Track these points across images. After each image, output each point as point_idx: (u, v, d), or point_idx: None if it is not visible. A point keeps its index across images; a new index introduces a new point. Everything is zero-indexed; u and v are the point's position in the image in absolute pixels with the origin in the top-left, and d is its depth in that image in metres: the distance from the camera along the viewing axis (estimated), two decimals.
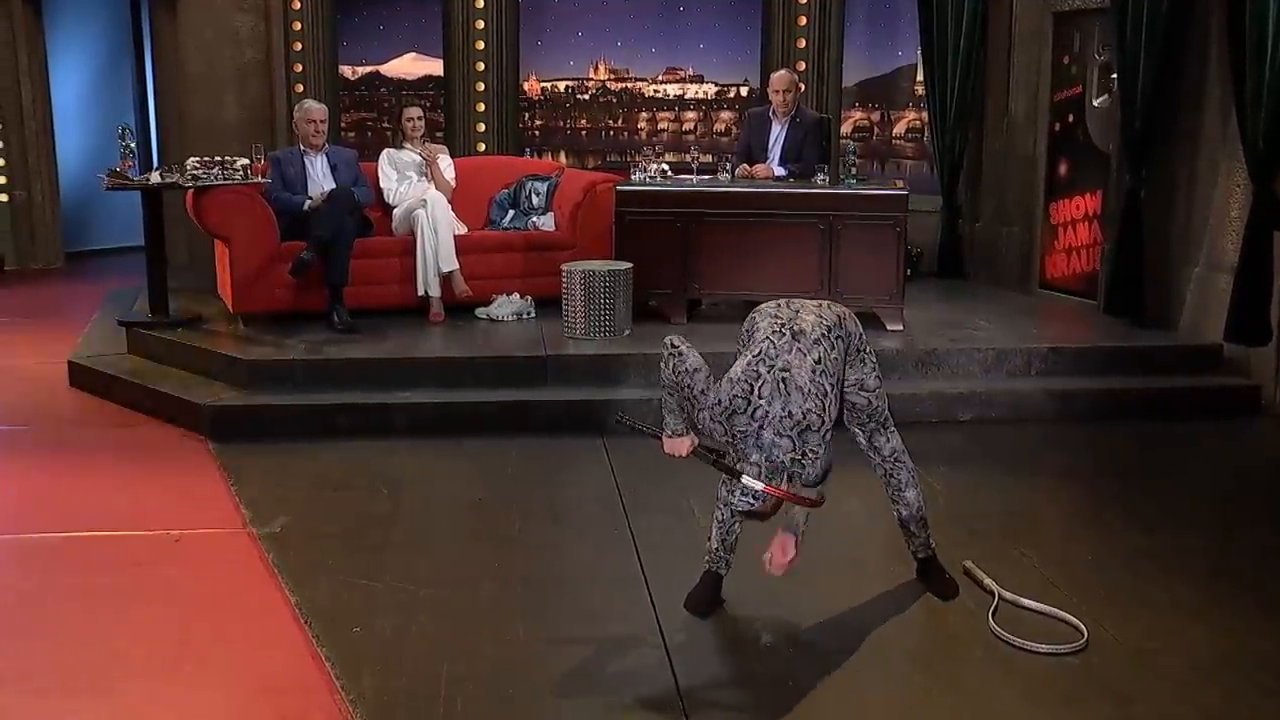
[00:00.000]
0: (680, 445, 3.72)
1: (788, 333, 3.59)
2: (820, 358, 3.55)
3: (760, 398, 3.43)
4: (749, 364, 3.51)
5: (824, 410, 3.46)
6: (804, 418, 3.42)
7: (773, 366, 3.48)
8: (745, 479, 3.40)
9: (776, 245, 6.95)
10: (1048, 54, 8.09)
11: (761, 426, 3.42)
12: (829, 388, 3.53)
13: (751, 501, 3.40)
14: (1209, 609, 4.08)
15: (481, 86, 9.59)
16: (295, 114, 7.61)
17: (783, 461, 3.41)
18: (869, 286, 6.90)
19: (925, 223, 8.67)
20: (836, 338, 3.68)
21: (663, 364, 3.70)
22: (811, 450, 3.43)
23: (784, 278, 6.85)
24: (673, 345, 3.70)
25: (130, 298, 8.11)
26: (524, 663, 3.70)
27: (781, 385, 3.45)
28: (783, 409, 3.42)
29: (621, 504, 5.06)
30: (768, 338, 3.58)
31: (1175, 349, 6.82)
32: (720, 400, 3.48)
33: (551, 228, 7.75)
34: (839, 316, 3.78)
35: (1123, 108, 7.09)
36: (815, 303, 3.83)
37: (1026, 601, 4.05)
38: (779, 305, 3.78)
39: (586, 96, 9.88)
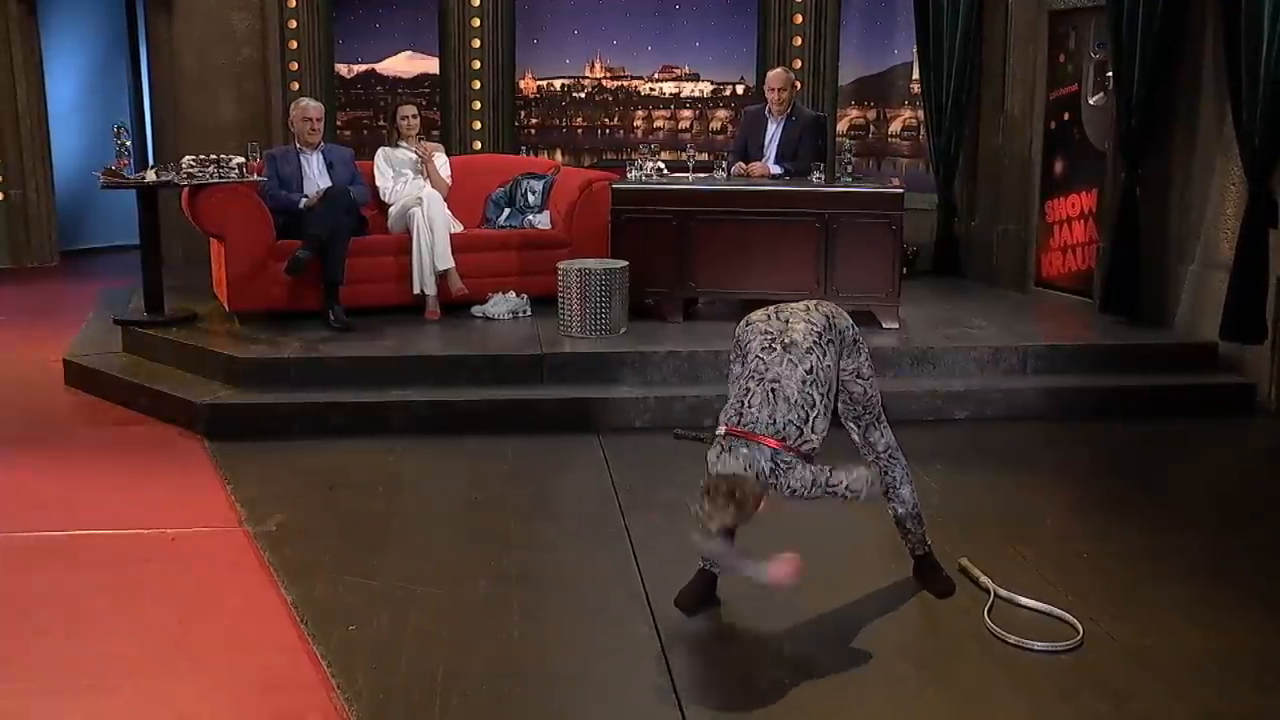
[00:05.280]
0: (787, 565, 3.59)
1: (778, 346, 3.64)
2: (812, 367, 3.61)
3: (750, 407, 3.54)
4: (742, 383, 3.63)
5: (807, 421, 3.54)
6: (783, 428, 3.50)
7: (763, 379, 3.58)
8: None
9: (772, 243, 6.95)
10: (1043, 52, 8.09)
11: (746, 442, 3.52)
12: (817, 399, 3.59)
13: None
14: (1204, 606, 4.09)
15: (477, 85, 9.60)
16: (291, 112, 7.61)
17: (763, 468, 3.48)
18: (865, 284, 6.90)
19: (921, 221, 8.68)
20: (828, 342, 3.71)
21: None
22: (783, 463, 3.49)
23: (780, 276, 6.86)
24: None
25: (126, 296, 8.10)
26: (519, 661, 3.70)
27: (771, 395, 3.55)
28: (769, 417, 3.51)
29: (617, 502, 5.05)
30: (758, 355, 3.65)
31: (1171, 347, 6.83)
32: (721, 423, 3.60)
33: (547, 226, 7.74)
34: (827, 317, 3.79)
35: (1118, 106, 7.09)
36: (803, 307, 3.83)
37: (1022, 599, 4.05)
38: (769, 318, 3.78)
39: (582, 95, 9.88)
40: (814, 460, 3.58)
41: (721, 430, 3.58)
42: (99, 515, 4.96)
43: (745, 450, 3.49)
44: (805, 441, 3.55)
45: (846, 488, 3.56)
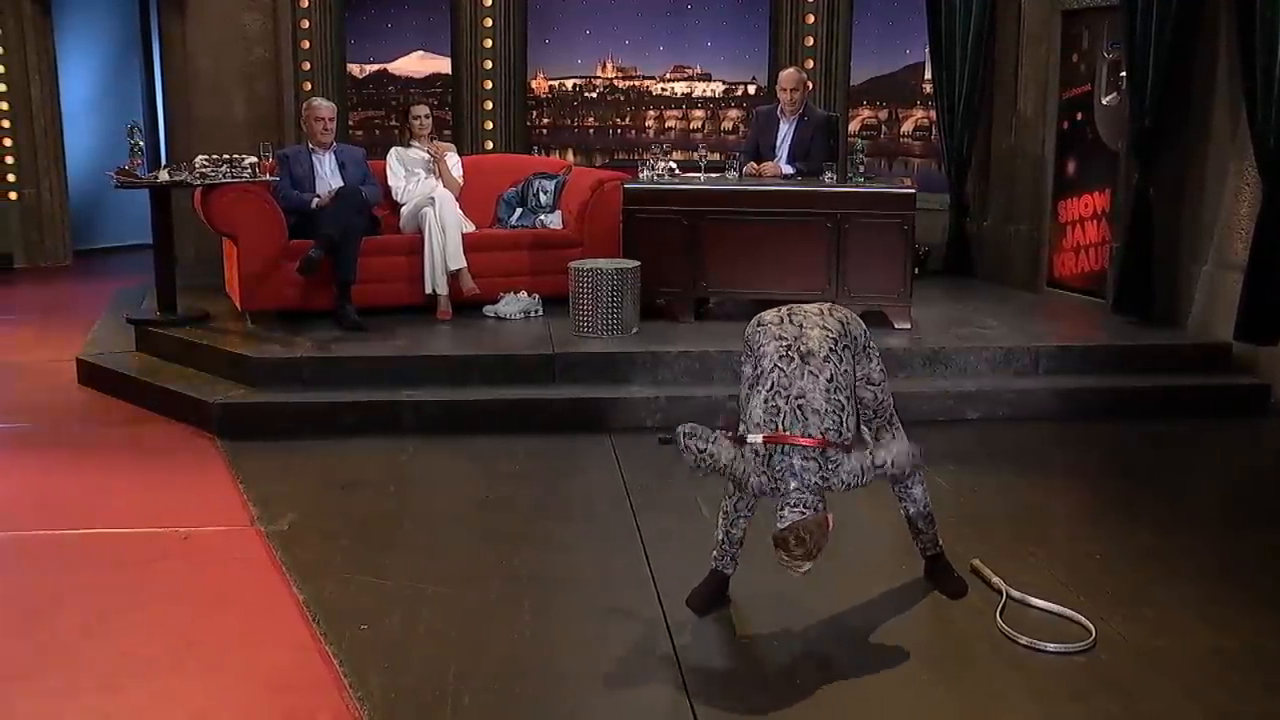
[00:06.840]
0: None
1: (796, 356, 3.61)
2: (832, 374, 3.60)
3: (784, 429, 3.52)
4: (766, 400, 3.57)
5: (841, 424, 3.57)
6: (823, 434, 3.52)
7: (789, 396, 3.55)
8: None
9: (784, 244, 6.94)
10: (1056, 52, 8.08)
11: (792, 455, 3.51)
12: (844, 401, 3.61)
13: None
14: (1216, 608, 4.07)
15: (489, 85, 9.61)
16: (303, 112, 7.63)
17: (815, 483, 3.51)
18: (876, 285, 6.89)
19: (933, 221, 8.67)
20: (844, 349, 3.70)
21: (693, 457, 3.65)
22: (832, 462, 3.53)
23: (792, 276, 6.85)
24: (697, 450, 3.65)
25: (138, 296, 8.13)
26: (531, 661, 3.70)
27: (799, 411, 3.53)
28: (803, 433, 3.51)
29: (629, 502, 5.05)
30: (776, 365, 3.60)
31: (1184, 347, 6.81)
32: (758, 451, 3.56)
33: (559, 226, 7.75)
34: (842, 323, 3.77)
35: (1131, 106, 7.08)
36: (817, 310, 3.81)
37: (1034, 600, 4.04)
38: (781, 321, 3.74)
39: (594, 94, 9.90)
40: (853, 449, 3.61)
41: (758, 438, 3.53)
42: (111, 514, 4.98)
43: (794, 482, 3.47)
44: (844, 438, 3.58)
45: (892, 464, 3.64)
